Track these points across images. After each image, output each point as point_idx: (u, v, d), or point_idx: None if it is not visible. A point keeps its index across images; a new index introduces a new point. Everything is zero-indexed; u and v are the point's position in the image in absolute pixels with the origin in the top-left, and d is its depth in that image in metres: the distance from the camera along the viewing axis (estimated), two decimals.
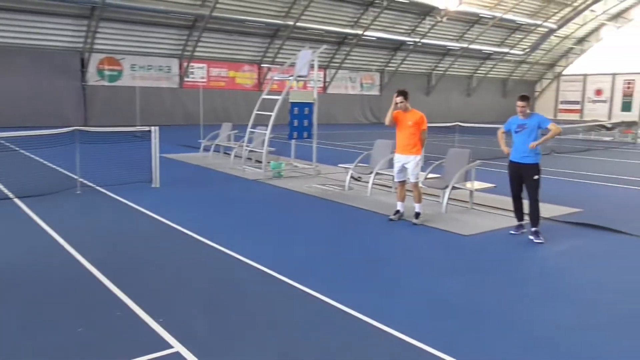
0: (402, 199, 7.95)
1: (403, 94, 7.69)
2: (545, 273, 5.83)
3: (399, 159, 7.81)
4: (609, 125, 23.98)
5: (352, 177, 10.51)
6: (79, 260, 5.69)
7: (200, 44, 27.86)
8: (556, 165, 14.69)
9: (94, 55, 25.71)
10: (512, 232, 7.24)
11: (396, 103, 7.73)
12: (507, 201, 9.08)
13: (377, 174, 9.79)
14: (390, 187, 10.24)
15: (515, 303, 4.90)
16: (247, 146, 12.76)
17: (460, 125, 15.95)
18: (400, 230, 7.47)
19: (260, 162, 11.94)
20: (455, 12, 32.43)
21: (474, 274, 5.72)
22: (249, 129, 12.91)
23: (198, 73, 29.22)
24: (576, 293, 5.20)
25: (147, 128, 10.35)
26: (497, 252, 6.55)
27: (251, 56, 31.10)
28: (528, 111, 7.00)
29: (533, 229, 6.87)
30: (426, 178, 8.93)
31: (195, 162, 13.71)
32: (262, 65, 31.42)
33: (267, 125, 11.92)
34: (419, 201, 7.73)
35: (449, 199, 8.51)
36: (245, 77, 31.34)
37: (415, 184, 7.74)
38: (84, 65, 25.60)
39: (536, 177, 6.91)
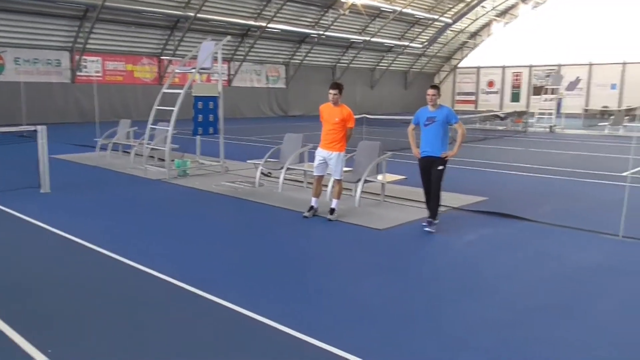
0: (318, 195, 7.74)
1: (338, 86, 7.40)
2: (461, 265, 5.85)
3: (322, 153, 7.59)
4: (502, 115, 25.43)
5: (262, 173, 10.17)
6: None
7: (93, 35, 26.01)
8: (457, 154, 15.24)
9: None
10: (427, 228, 7.02)
11: (330, 94, 7.37)
12: (418, 192, 9.22)
13: (288, 169, 9.53)
14: (302, 182, 10.03)
15: (435, 300, 4.84)
16: (148, 144, 11.99)
17: (367, 117, 16.09)
18: (315, 227, 7.26)
19: (164, 160, 11.26)
20: (357, 6, 32.87)
21: (391, 271, 5.63)
22: (149, 126, 12.13)
23: (92, 67, 27.30)
24: (492, 286, 5.24)
25: (32, 128, 9.36)
26: (413, 246, 6.53)
27: (150, 49, 29.59)
28: (438, 102, 6.97)
29: (430, 219, 6.98)
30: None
31: (91, 162, 12.69)
32: (162, 58, 30.03)
33: (169, 121, 11.24)
34: (338, 197, 7.58)
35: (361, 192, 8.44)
36: (145, 71, 29.77)
37: (339, 181, 7.59)
38: None
39: (441, 167, 6.92)
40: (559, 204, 8.93)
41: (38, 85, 24.93)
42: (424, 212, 7.76)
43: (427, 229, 6.92)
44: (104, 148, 13.65)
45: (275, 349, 3.84)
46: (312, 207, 7.70)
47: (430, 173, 6.97)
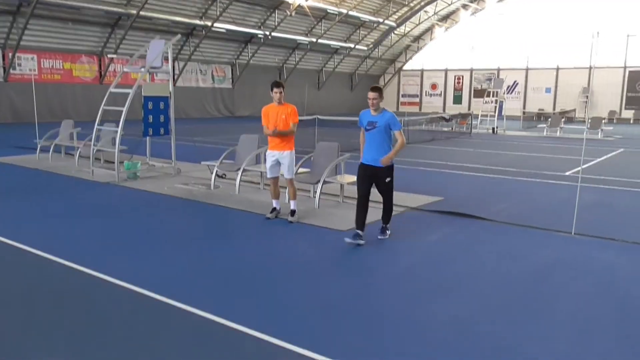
0: (277, 196, 7.62)
1: (281, 85, 7.27)
2: (427, 264, 5.90)
3: (273, 154, 7.44)
4: (447, 117, 26.05)
5: (217, 175, 9.92)
6: None
7: (27, 32, 24.69)
8: (408, 155, 15.48)
9: None
10: (381, 236, 6.72)
11: (276, 93, 7.23)
12: (375, 192, 9.29)
13: (244, 170, 9.34)
14: (258, 183, 9.86)
15: (403, 300, 4.83)
16: (94, 144, 11.45)
17: (319, 118, 16.06)
18: (276, 229, 7.13)
19: (112, 162, 10.78)
20: (303, 7, 32.89)
21: (357, 272, 5.61)
22: (96, 126, 11.59)
23: (27, 65, 25.93)
24: (459, 284, 5.30)
25: None
26: (376, 247, 6.51)
27: (90, 47, 28.45)
28: (381, 105, 6.49)
29: (385, 225, 6.75)
30: (296, 173, 8.69)
31: (32, 165, 11.99)
32: (104, 56, 28.91)
33: (114, 122, 10.76)
34: (294, 197, 7.46)
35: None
36: (84, 70, 28.57)
37: (291, 180, 7.46)
38: None
39: (389, 179, 6.52)
40: (511, 203, 9.19)
41: None
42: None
43: (381, 237, 6.66)
44: (44, 150, 12.96)
45: (242, 352, 3.71)
46: (274, 209, 7.57)
47: (371, 182, 6.52)
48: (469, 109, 37.98)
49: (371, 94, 6.34)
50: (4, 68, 25.23)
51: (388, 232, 6.75)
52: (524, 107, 39.96)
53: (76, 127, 13.30)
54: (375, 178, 6.46)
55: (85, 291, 4.83)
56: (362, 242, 6.29)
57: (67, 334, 3.96)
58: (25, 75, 24.72)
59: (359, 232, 6.33)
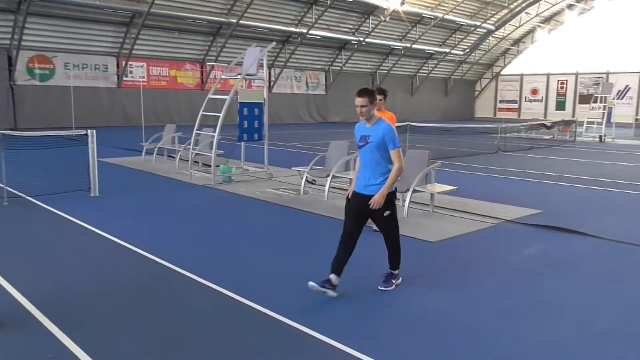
0: None
1: (382, 92, 7.11)
2: (522, 281, 5.55)
3: None
4: (549, 124, 24.69)
5: (307, 180, 10.05)
6: (7, 289, 4.94)
7: (139, 41, 26.57)
8: (505, 164, 14.83)
9: (22, 52, 23.98)
10: (382, 287, 5.13)
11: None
12: (468, 203, 8.98)
13: (333, 177, 9.38)
14: (347, 190, 9.85)
15: (496, 316, 4.58)
16: (193, 149, 12.04)
17: (411, 125, 15.83)
18: (362, 237, 7.04)
19: (208, 165, 11.28)
20: (398, 12, 32.61)
21: (449, 286, 5.39)
22: (195, 131, 12.19)
23: (137, 72, 27.84)
24: (558, 305, 4.95)
25: (83, 131, 9.50)
26: (469, 260, 6.26)
27: (193, 54, 30.07)
28: (375, 113, 5.01)
29: (390, 272, 5.22)
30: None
31: (137, 167, 12.85)
32: (205, 63, 30.44)
33: (212, 127, 11.26)
34: None
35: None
36: (188, 76, 30.25)
37: None
38: (11, 63, 23.83)
39: (387, 212, 4.94)
40: (619, 219, 8.49)
41: (86, 89, 25.62)
42: (478, 225, 7.52)
43: (382, 287, 5.08)
44: (149, 152, 13.83)
45: None
46: None
47: (362, 216, 5.02)
48: (573, 115, 35.74)
49: (358, 100, 4.84)
50: (118, 75, 27.33)
51: (395, 281, 5.16)
52: (637, 114, 36.88)
53: (178, 131, 14.07)
54: (369, 211, 4.94)
55: (172, 286, 5.06)
56: (331, 292, 4.80)
57: (157, 333, 4.16)
58: (136, 82, 26.57)
59: (332, 277, 4.83)
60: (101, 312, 4.49)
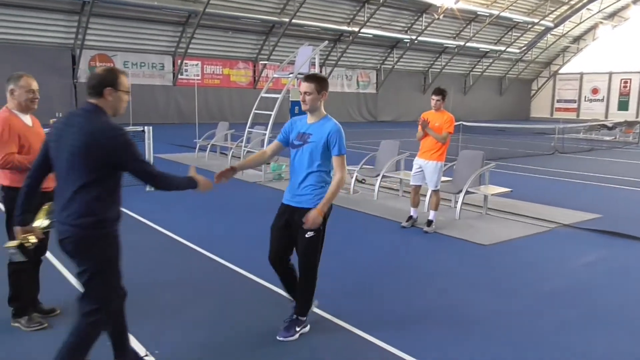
0: (416, 205, 7.46)
1: (441, 92, 7.15)
2: (581, 289, 5.33)
3: (418, 162, 7.32)
4: (610, 125, 23.66)
5: (357, 179, 10.02)
6: (67, 278, 5.17)
7: (194, 40, 27.23)
8: (562, 166, 14.32)
9: (85, 51, 25.02)
10: (280, 337, 3.98)
11: (432, 100, 7.17)
12: (523, 206, 8.72)
13: (383, 176, 9.32)
14: (397, 190, 9.77)
15: (556, 325, 4.42)
16: (245, 146, 12.23)
17: (464, 125, 15.51)
18: (413, 238, 6.98)
19: None
20: (452, 10, 32.01)
21: (502, 291, 5.25)
22: (247, 129, 12.38)
23: (192, 70, 28.62)
24: (621, 315, 4.72)
25: (140, 128, 9.82)
26: (523, 264, 6.07)
27: (246, 53, 30.55)
28: (319, 107, 3.97)
29: (296, 317, 4.05)
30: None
31: (191, 163, 13.05)
32: (257, 62, 30.87)
33: (264, 124, 11.39)
34: (436, 208, 7.24)
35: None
36: (240, 75, 30.76)
37: (436, 191, 7.26)
38: (75, 62, 24.93)
39: (310, 234, 3.86)
40: None
41: (143, 87, 26.43)
42: (533, 229, 7.29)
43: (280, 337, 3.95)
44: (202, 149, 14.14)
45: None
46: (410, 217, 7.43)
47: (286, 234, 4.00)
48: (637, 116, 34.08)
49: (303, 85, 3.92)
50: (174, 73, 28.10)
51: (299, 329, 4.01)
52: None
53: (230, 129, 14.33)
54: (293, 227, 3.94)
55: (225, 281, 5.15)
56: (292, 320, 4.04)
57: (198, 323, 4.25)
58: (191, 80, 27.27)
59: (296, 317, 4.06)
60: (159, 304, 4.63)
